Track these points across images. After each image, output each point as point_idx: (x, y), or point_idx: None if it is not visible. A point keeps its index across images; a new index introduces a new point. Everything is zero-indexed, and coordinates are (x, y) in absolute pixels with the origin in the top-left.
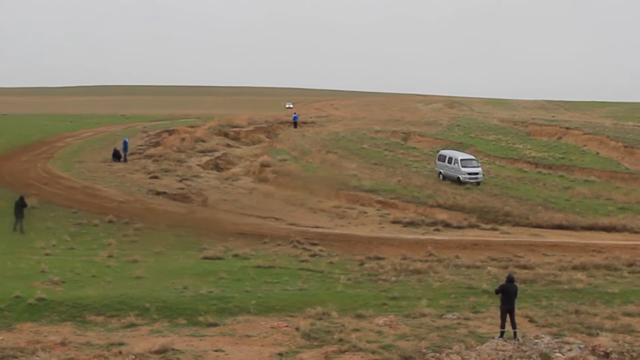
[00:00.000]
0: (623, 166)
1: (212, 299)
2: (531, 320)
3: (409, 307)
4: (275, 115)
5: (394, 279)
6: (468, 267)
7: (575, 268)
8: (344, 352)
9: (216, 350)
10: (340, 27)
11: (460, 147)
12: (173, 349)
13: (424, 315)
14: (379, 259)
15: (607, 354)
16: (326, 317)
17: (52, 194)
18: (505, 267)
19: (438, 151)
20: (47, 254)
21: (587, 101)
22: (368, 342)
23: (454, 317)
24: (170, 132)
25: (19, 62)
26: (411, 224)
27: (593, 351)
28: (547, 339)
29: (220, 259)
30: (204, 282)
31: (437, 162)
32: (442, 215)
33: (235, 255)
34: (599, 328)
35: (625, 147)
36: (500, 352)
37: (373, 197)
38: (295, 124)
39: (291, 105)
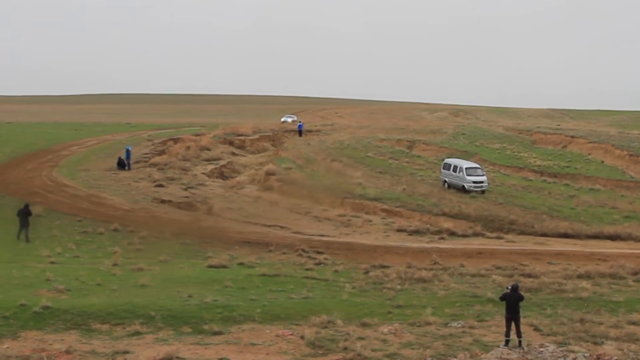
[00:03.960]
0: (628, 175)
1: (217, 307)
2: (536, 329)
3: (413, 316)
4: (281, 124)
5: (398, 287)
6: (473, 275)
7: (580, 277)
8: None
9: (221, 359)
10: (345, 34)
11: (465, 155)
12: (178, 357)
13: (428, 323)
14: (384, 267)
15: None
16: (331, 325)
17: (57, 202)
18: (511, 276)
19: (443, 159)
20: (52, 262)
21: (592, 110)
22: (373, 350)
23: (459, 325)
24: (176, 141)
25: (23, 71)
26: (416, 232)
27: None
28: (552, 347)
29: (225, 267)
30: (209, 290)
31: (442, 170)
32: (447, 224)
33: (240, 264)
34: (604, 337)
35: (631, 155)
36: None
37: (378, 205)
38: (300, 133)
39: (289, 119)
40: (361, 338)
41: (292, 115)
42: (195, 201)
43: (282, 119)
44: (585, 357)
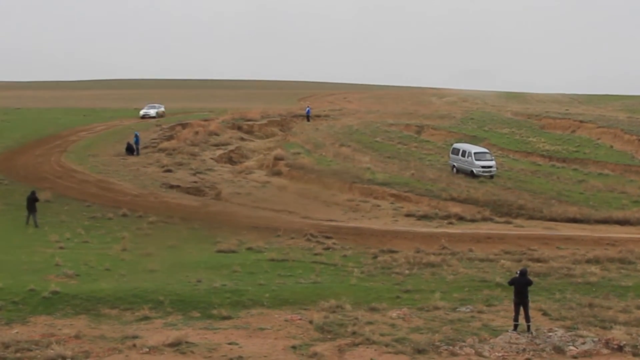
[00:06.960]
0: (637, 159)
1: (225, 292)
2: (545, 314)
3: (422, 300)
4: (289, 109)
5: (407, 272)
6: (482, 260)
7: (589, 261)
8: (357, 345)
9: (230, 343)
10: (354, 18)
11: (473, 140)
12: (187, 342)
13: (437, 308)
14: (393, 252)
15: (620, 347)
16: (340, 310)
17: (66, 187)
18: (519, 261)
19: (452, 144)
20: (61, 248)
21: (601, 94)
22: (381, 335)
23: (468, 310)
24: (184, 126)
25: (32, 56)
26: (425, 217)
27: (606, 344)
28: (560, 332)
29: (233, 252)
30: (217, 275)
31: (451, 155)
32: (456, 209)
33: (249, 249)
34: (613, 321)
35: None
36: (514, 345)
37: (386, 190)
38: (308, 118)
39: (152, 111)
40: (370, 323)
41: (155, 105)
42: (204, 186)
43: (142, 112)
44: (593, 341)
